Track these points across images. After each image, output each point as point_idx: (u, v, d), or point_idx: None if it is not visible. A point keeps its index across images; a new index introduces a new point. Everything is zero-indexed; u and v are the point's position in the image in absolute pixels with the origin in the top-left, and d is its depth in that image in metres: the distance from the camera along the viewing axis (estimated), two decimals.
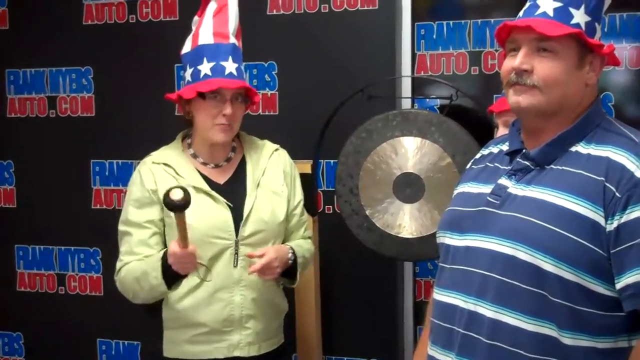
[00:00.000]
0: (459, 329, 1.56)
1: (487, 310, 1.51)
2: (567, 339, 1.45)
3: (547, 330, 1.46)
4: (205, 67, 2.13)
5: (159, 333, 2.22)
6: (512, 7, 2.97)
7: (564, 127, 1.56)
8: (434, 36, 3.05)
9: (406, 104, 3.01)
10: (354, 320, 3.11)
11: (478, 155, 1.79)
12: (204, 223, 2.12)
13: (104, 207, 3.38)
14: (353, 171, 2.62)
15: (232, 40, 2.19)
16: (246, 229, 2.15)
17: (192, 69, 2.15)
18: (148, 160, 2.19)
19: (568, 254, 1.44)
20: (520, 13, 1.63)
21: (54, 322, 3.47)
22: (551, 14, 1.54)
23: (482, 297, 1.52)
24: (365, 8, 3.01)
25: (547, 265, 1.44)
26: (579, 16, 1.54)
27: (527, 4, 1.62)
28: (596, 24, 1.57)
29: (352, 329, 3.12)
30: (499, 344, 1.49)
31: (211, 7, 2.23)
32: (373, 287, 3.09)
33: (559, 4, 1.54)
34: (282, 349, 2.35)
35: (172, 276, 2.07)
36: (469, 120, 2.72)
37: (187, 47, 2.22)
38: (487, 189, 1.62)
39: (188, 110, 2.18)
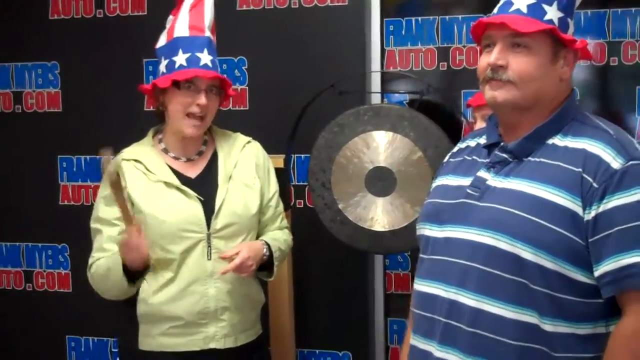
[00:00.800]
0: (440, 318, 1.60)
1: (468, 300, 1.55)
2: (548, 326, 1.50)
3: (528, 317, 1.50)
4: (181, 58, 2.14)
5: (133, 327, 2.21)
6: (480, 3, 3.04)
7: (540, 121, 1.60)
8: (403, 32, 3.09)
9: (376, 98, 3.05)
10: (327, 314, 3.14)
11: (455, 149, 1.83)
12: (175, 218, 2.13)
13: (72, 203, 3.34)
14: (325, 165, 2.64)
15: (208, 33, 2.21)
16: (218, 222, 2.16)
17: (167, 61, 2.16)
18: (119, 157, 2.18)
19: (547, 243, 1.48)
20: (495, 10, 1.67)
21: (21, 319, 3.43)
22: (525, 10, 1.59)
23: (463, 287, 1.56)
24: (335, 4, 3.04)
25: (527, 254, 1.49)
26: (552, 12, 1.58)
27: (502, 1, 1.66)
28: (569, 20, 1.62)
29: (324, 322, 3.15)
30: (480, 332, 1.53)
31: (187, 3, 2.24)
32: (345, 280, 3.12)
33: (532, 1, 1.59)
34: (260, 340, 2.36)
35: (133, 272, 2.09)
36: (437, 115, 2.76)
37: (162, 41, 2.23)
38: (466, 181, 1.66)
39: (162, 101, 2.18)
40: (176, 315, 2.14)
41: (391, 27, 3.09)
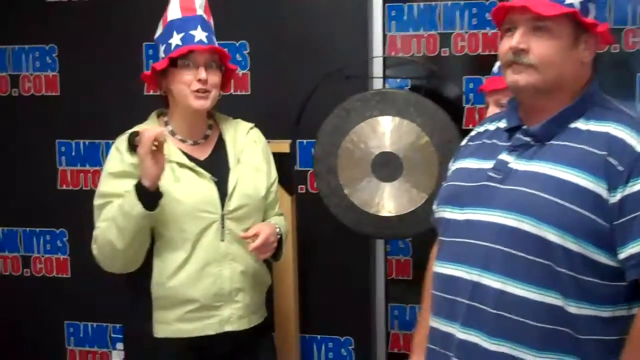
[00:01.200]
0: (463, 300, 1.60)
1: (492, 281, 1.56)
2: (572, 308, 1.51)
3: (553, 299, 1.51)
4: (175, 39, 2.14)
5: (144, 314, 2.19)
6: None
7: (562, 105, 1.61)
8: (405, 17, 3.09)
9: (378, 84, 3.05)
10: (328, 299, 3.14)
11: (474, 132, 1.83)
12: (192, 198, 2.12)
13: (71, 187, 3.32)
14: (331, 150, 2.64)
15: (200, 12, 2.21)
16: (231, 204, 2.16)
17: (164, 46, 2.17)
18: (124, 137, 2.15)
19: (572, 225, 1.49)
20: None
21: (19, 305, 3.41)
22: None
23: (486, 269, 1.57)
24: None
25: (552, 236, 1.50)
26: None
27: None
28: (590, 4, 1.62)
29: (326, 307, 3.15)
30: (505, 314, 1.54)
31: None
32: (346, 266, 3.13)
33: None
34: (267, 322, 2.38)
35: (147, 195, 2.02)
36: (440, 101, 2.77)
37: (159, 31, 2.23)
38: (487, 164, 1.67)
39: (165, 85, 2.17)
40: (193, 298, 2.13)
41: (393, 12, 3.09)
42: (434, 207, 1.87)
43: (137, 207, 2.00)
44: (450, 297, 1.64)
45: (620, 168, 1.48)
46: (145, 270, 2.13)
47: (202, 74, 2.12)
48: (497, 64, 2.14)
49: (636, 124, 1.53)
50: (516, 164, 1.61)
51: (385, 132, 2.61)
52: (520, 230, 1.53)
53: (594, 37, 1.62)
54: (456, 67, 3.08)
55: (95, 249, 2.12)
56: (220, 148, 2.26)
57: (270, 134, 2.52)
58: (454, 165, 1.81)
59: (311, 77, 2.78)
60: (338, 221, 2.70)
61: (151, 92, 3.14)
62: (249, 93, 3.12)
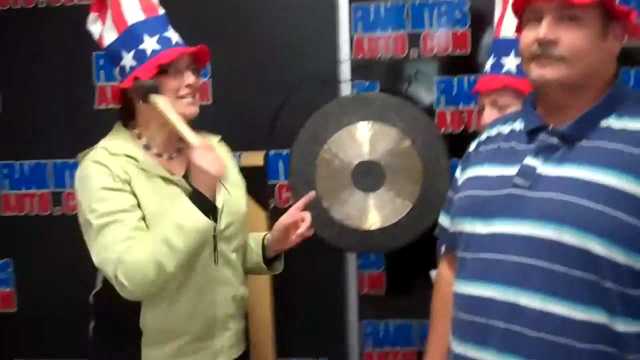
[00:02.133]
0: (497, 323, 1.44)
1: (531, 301, 1.40)
2: (620, 325, 1.37)
3: (599, 317, 1.37)
4: (150, 43, 1.92)
5: (125, 352, 1.94)
6: None
7: (589, 101, 1.47)
8: (371, 18, 2.94)
9: (345, 87, 2.89)
10: (302, 320, 2.98)
11: (483, 137, 1.68)
12: None
13: (15, 213, 3.04)
14: (308, 161, 2.46)
15: (162, 10, 2.00)
16: (222, 223, 1.97)
17: (133, 52, 1.93)
18: (102, 152, 1.91)
19: (619, 234, 1.35)
20: None
21: None
22: None
23: (523, 287, 1.41)
24: None
25: (598, 247, 1.35)
26: None
27: None
28: None
29: (300, 329, 2.98)
30: (546, 335, 1.38)
31: None
32: (319, 283, 2.97)
33: None
34: (248, 349, 2.20)
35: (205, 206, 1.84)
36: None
37: (111, 37, 1.99)
38: (510, 170, 1.51)
39: (145, 95, 1.93)
40: (188, 330, 1.92)
41: (359, 13, 2.94)
42: (444, 220, 1.71)
43: (202, 221, 1.79)
44: (482, 320, 1.47)
45: None
46: (131, 302, 1.88)
47: (191, 78, 1.93)
48: (489, 62, 2.01)
49: None
50: (544, 168, 1.46)
51: (365, 138, 2.44)
52: (560, 243, 1.38)
53: (622, 27, 1.48)
54: (426, 68, 2.95)
55: (120, 274, 1.80)
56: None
57: (238, 146, 2.33)
58: (465, 174, 1.65)
59: (279, 83, 2.61)
60: (315, 237, 2.51)
61: (102, 106, 2.93)
62: (210, 102, 2.92)
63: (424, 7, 2.92)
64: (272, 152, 2.87)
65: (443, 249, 2.04)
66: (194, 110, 1.95)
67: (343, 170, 2.46)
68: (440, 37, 2.91)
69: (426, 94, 2.95)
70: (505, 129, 1.63)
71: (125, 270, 1.78)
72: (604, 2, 1.43)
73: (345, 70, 2.90)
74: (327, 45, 2.87)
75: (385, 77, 2.96)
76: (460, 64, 2.93)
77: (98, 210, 1.82)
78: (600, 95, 1.48)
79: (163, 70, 1.90)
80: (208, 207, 1.83)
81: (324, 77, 2.76)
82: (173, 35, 1.96)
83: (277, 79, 2.80)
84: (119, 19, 1.95)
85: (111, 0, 1.98)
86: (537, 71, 1.46)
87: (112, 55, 1.97)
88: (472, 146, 1.70)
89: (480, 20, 2.92)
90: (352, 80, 2.90)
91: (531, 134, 1.53)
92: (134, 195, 1.85)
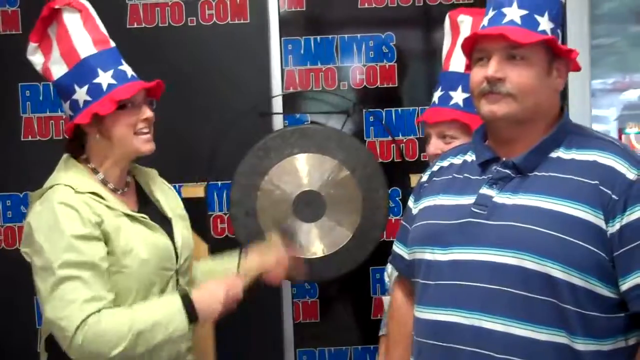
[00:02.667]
0: (464, 347, 1.51)
1: (495, 325, 1.48)
2: (579, 345, 1.46)
3: (560, 338, 1.45)
4: (105, 77, 1.89)
5: None
6: (377, 23, 3.02)
7: (536, 134, 1.57)
8: (302, 51, 3.01)
9: (278, 120, 2.94)
10: (243, 348, 2.96)
11: (436, 168, 1.76)
12: (155, 255, 1.88)
13: None
14: (250, 192, 2.49)
15: (112, 43, 1.99)
16: (181, 257, 1.98)
17: (86, 86, 1.90)
18: (67, 191, 1.84)
19: (577, 259, 1.44)
20: (485, 22, 1.63)
21: None
22: (519, 21, 1.56)
23: (487, 311, 1.48)
24: (236, 22, 2.90)
25: (557, 272, 1.44)
26: (545, 23, 1.57)
27: (491, 13, 1.61)
28: (558, 31, 1.60)
29: (241, 358, 2.98)
30: (512, 358, 1.46)
31: (73, 19, 1.97)
32: (257, 314, 2.96)
33: (525, 12, 1.56)
34: None
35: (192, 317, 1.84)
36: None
37: (60, 71, 1.95)
38: (466, 200, 1.59)
39: (100, 130, 1.91)
40: None
41: (290, 47, 3.00)
42: (399, 248, 1.77)
43: (186, 329, 1.83)
44: (448, 344, 1.53)
45: (615, 197, 1.46)
46: None
47: (147, 112, 1.92)
48: (437, 94, 2.10)
49: (621, 151, 1.52)
50: (500, 198, 1.55)
51: (306, 170, 2.50)
52: (521, 268, 1.46)
53: (564, 64, 1.60)
54: (355, 100, 3.03)
55: (81, 335, 1.72)
56: (143, 197, 2.05)
57: (176, 178, 2.34)
58: (420, 204, 1.72)
59: (209, 115, 2.66)
60: None
61: (29, 138, 2.87)
62: None
63: (352, 42, 3.01)
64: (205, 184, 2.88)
65: (393, 276, 2.12)
66: (150, 147, 1.94)
67: (284, 201, 2.50)
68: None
69: (355, 126, 3.04)
70: (458, 160, 1.71)
71: (93, 337, 1.73)
72: (548, 42, 1.55)
73: (277, 103, 2.96)
74: (261, 78, 2.93)
75: (315, 110, 3.03)
76: (388, 96, 3.04)
77: (64, 260, 1.76)
78: (549, 129, 1.58)
79: (121, 106, 1.89)
80: (194, 319, 1.84)
81: (259, 110, 2.80)
82: (127, 68, 1.94)
83: (210, 111, 2.82)
84: (69, 52, 1.91)
85: (58, 33, 1.94)
86: (487, 107, 1.56)
87: (63, 89, 1.93)
88: (425, 177, 1.78)
89: (406, 55, 3.05)
90: (283, 113, 2.96)
91: (483, 165, 1.62)
92: (105, 237, 1.82)
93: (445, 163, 1.74)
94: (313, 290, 3.10)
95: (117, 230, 1.84)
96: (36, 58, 1.98)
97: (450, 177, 1.68)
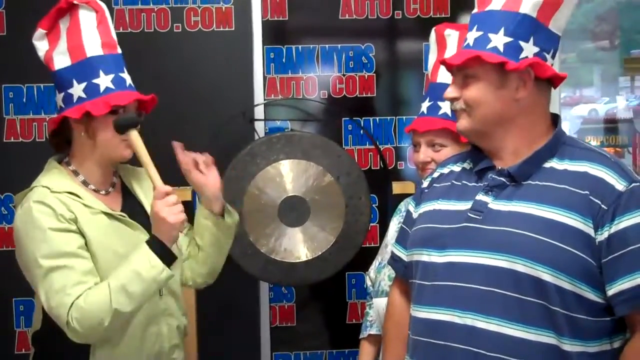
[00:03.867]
0: (457, 345, 1.58)
1: (487, 324, 1.55)
2: (566, 346, 1.53)
3: (549, 339, 1.53)
4: (105, 81, 1.92)
5: None
6: (357, 34, 3.10)
7: (523, 143, 1.65)
8: (284, 60, 3.07)
9: (259, 126, 2.99)
10: (221, 349, 3.00)
11: (436, 175, 1.83)
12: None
13: None
14: (236, 197, 2.53)
15: (119, 50, 2.02)
16: None
17: (84, 84, 1.93)
18: (43, 191, 1.88)
19: (565, 264, 1.53)
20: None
21: None
22: (472, 44, 1.66)
23: (480, 312, 1.56)
24: (221, 29, 2.95)
25: (547, 276, 1.52)
26: (497, 40, 1.64)
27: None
28: (521, 42, 1.64)
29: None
30: (503, 356, 1.53)
31: (87, 18, 2.01)
32: (234, 317, 3.02)
33: (479, 33, 1.66)
34: None
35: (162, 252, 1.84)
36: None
37: (62, 62, 1.98)
38: (463, 205, 1.67)
39: (87, 129, 1.94)
40: None
41: (272, 55, 3.06)
42: (398, 250, 1.84)
43: (164, 273, 1.81)
44: (442, 342, 1.60)
45: (605, 207, 1.54)
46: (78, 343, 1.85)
47: None
48: (425, 104, 2.16)
49: (611, 163, 1.61)
50: (495, 204, 1.62)
51: (292, 175, 2.56)
52: (513, 271, 1.54)
53: (518, 77, 1.63)
54: (334, 109, 3.10)
55: (74, 319, 1.78)
56: (128, 196, 2.07)
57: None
58: (420, 208, 1.79)
59: (193, 121, 2.73)
60: (242, 270, 2.59)
61: (11, 139, 2.86)
62: None
63: (333, 52, 3.08)
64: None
65: (377, 281, 2.19)
66: (130, 152, 1.96)
67: (269, 206, 2.55)
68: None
69: (334, 134, 3.11)
70: (457, 167, 1.79)
71: (81, 315, 1.78)
72: (489, 62, 1.61)
73: (259, 110, 3.01)
74: (244, 84, 2.98)
75: (296, 117, 3.09)
76: (367, 106, 3.12)
77: (45, 252, 1.81)
78: (539, 138, 1.66)
79: (114, 111, 1.92)
80: (165, 254, 1.84)
81: (248, 117, 2.86)
82: (127, 77, 1.97)
83: (194, 117, 2.85)
84: (76, 48, 1.94)
85: (69, 26, 1.96)
86: (457, 123, 1.69)
87: (61, 80, 1.95)
88: (425, 183, 1.85)
89: (385, 65, 3.13)
90: (264, 119, 3.01)
91: (480, 173, 1.70)
92: (81, 232, 1.85)
93: (445, 170, 1.82)
94: (290, 295, 3.15)
95: (91, 226, 1.87)
96: (41, 44, 1.98)
97: (449, 183, 1.76)
